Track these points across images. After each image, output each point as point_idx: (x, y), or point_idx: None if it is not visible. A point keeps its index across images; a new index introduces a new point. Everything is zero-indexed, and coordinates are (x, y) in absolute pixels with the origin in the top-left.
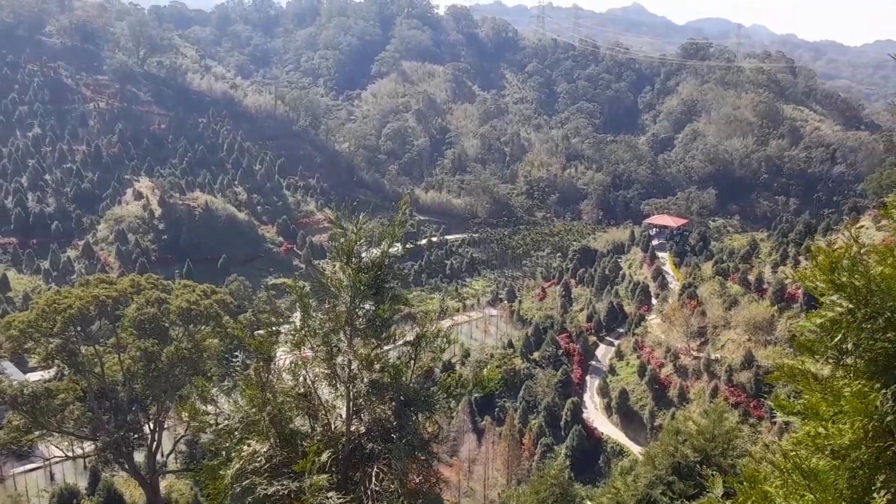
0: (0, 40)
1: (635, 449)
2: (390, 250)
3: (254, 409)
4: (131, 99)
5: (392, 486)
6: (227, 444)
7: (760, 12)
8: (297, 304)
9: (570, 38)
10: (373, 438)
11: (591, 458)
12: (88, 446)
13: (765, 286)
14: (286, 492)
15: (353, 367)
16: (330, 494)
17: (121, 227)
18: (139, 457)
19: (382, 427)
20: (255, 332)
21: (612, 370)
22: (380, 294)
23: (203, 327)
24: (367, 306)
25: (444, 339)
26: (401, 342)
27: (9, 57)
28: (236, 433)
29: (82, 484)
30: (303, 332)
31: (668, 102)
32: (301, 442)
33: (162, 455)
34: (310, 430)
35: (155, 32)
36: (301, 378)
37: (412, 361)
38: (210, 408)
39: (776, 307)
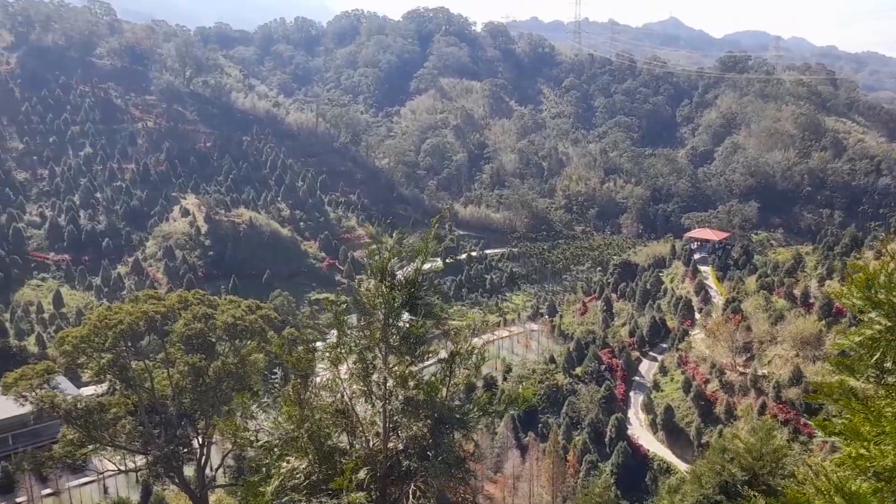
0: (53, 62)
1: (682, 466)
2: (430, 266)
3: (292, 426)
4: (178, 118)
5: None
6: (268, 461)
7: (800, 25)
8: (333, 321)
9: (606, 52)
10: (409, 456)
11: (637, 475)
12: (140, 460)
13: (811, 300)
14: None
15: (388, 384)
16: None
17: (168, 244)
18: (189, 471)
19: (419, 444)
20: (295, 349)
21: (657, 386)
22: (414, 311)
23: (248, 342)
24: (401, 323)
25: (479, 356)
26: (435, 359)
27: (61, 79)
28: (276, 450)
29: (135, 497)
30: (338, 349)
31: (706, 115)
32: (340, 459)
33: (211, 469)
34: (348, 447)
35: (200, 53)
36: (339, 395)
37: (447, 378)
38: (251, 424)
39: (824, 322)
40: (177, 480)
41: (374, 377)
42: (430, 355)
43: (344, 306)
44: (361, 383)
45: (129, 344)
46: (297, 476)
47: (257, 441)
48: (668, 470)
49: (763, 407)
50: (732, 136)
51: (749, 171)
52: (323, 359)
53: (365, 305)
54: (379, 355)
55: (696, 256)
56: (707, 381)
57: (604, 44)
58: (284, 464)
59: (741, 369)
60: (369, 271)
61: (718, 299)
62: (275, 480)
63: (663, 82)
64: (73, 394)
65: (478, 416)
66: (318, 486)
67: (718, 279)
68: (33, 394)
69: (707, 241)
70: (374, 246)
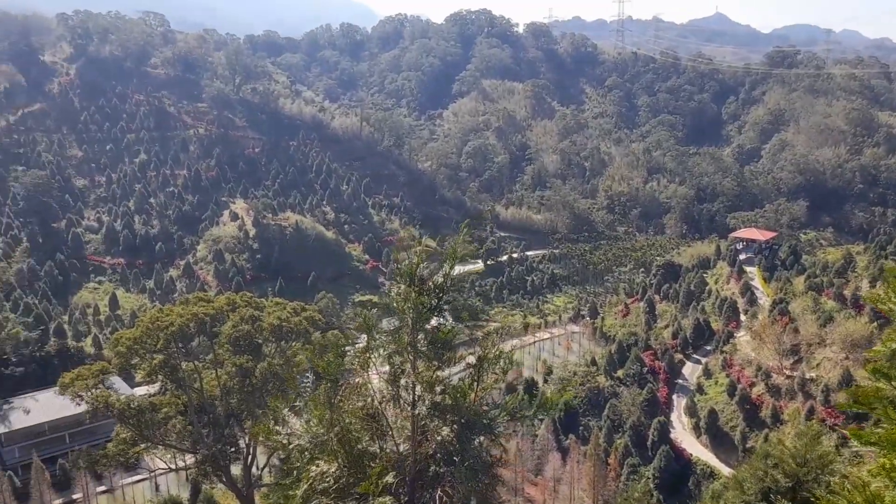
0: (110, 73)
1: (727, 471)
2: (470, 268)
3: (322, 430)
4: (228, 124)
5: None
6: (299, 464)
7: (851, 18)
8: (362, 325)
9: (650, 50)
10: (437, 461)
11: (680, 480)
12: (189, 459)
13: (862, 302)
14: None
15: (416, 389)
16: None
17: (218, 247)
18: (236, 470)
19: (446, 449)
20: (325, 354)
21: (700, 389)
22: (445, 315)
23: (294, 343)
24: (428, 328)
25: (507, 361)
26: (463, 364)
27: (117, 88)
28: (307, 453)
29: (185, 495)
30: (367, 354)
31: (753, 112)
32: (369, 463)
33: (257, 468)
34: (378, 451)
35: (249, 61)
36: (369, 399)
37: (475, 383)
38: (284, 427)
39: (875, 323)
40: (224, 479)
41: (403, 382)
42: (459, 360)
43: (374, 310)
44: (391, 388)
45: (180, 345)
46: (327, 479)
47: (289, 444)
48: (711, 475)
49: (811, 411)
50: (780, 133)
51: (798, 169)
52: (352, 363)
53: (395, 310)
54: (408, 360)
55: (742, 257)
56: (752, 385)
57: (647, 42)
58: (314, 467)
59: (788, 372)
60: (398, 276)
61: (765, 301)
62: (304, 484)
63: (708, 79)
64: (126, 394)
65: (506, 421)
66: (347, 489)
67: (765, 280)
68: (89, 393)
69: (753, 241)
70: (403, 252)
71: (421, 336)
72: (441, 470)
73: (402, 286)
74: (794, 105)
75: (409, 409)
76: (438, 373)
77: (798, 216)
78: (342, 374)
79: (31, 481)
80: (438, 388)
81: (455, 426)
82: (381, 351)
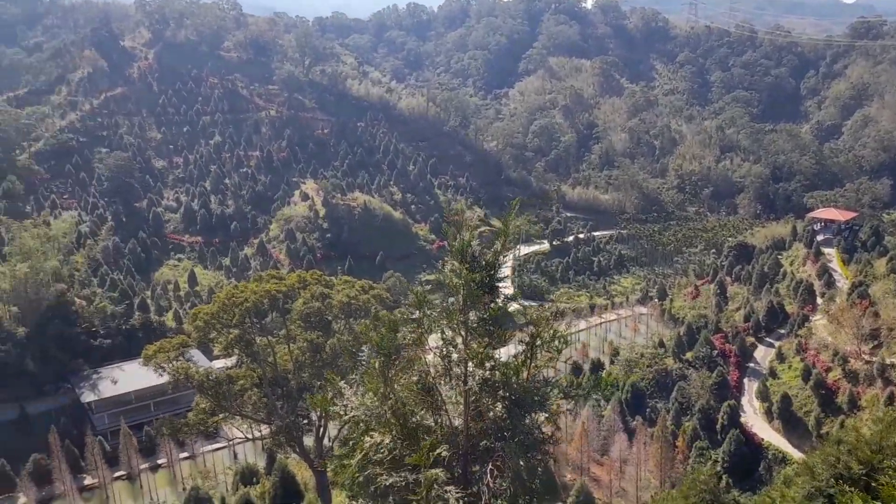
0: (185, 57)
1: (800, 457)
2: (537, 248)
3: (376, 403)
4: (298, 106)
5: (504, 484)
6: (355, 435)
7: None
8: (415, 301)
9: (724, 23)
10: (488, 436)
11: (750, 464)
12: (265, 429)
13: None
14: (404, 483)
15: (468, 365)
16: (448, 488)
17: (290, 227)
18: (308, 441)
19: (497, 425)
20: (378, 329)
21: (773, 373)
22: (493, 293)
23: (363, 320)
24: (480, 305)
25: (562, 341)
26: (516, 341)
27: (193, 72)
28: (362, 424)
29: (261, 464)
30: (420, 329)
31: (834, 87)
32: (423, 436)
33: (329, 440)
34: (433, 425)
35: (318, 43)
36: (424, 374)
37: (528, 361)
38: (340, 400)
39: None
40: (297, 449)
41: (454, 357)
42: (510, 338)
43: (429, 287)
44: (444, 363)
45: (254, 320)
46: (381, 451)
47: (345, 415)
48: (783, 460)
49: (891, 397)
50: (863, 108)
51: (881, 146)
52: (405, 339)
53: (447, 286)
54: (458, 335)
55: (820, 238)
56: (829, 370)
57: (722, 15)
58: (368, 438)
59: (867, 357)
60: (450, 254)
61: (843, 283)
62: (358, 454)
63: (786, 53)
64: (205, 366)
65: (558, 399)
66: (401, 461)
67: (844, 262)
68: (170, 365)
69: (832, 221)
70: (452, 228)
71: (473, 313)
72: (492, 445)
73: (455, 263)
74: (879, 78)
75: (461, 384)
76: (489, 350)
77: (881, 195)
78: (395, 349)
79: (120, 446)
80: (489, 365)
81: (506, 402)
82: (434, 326)
